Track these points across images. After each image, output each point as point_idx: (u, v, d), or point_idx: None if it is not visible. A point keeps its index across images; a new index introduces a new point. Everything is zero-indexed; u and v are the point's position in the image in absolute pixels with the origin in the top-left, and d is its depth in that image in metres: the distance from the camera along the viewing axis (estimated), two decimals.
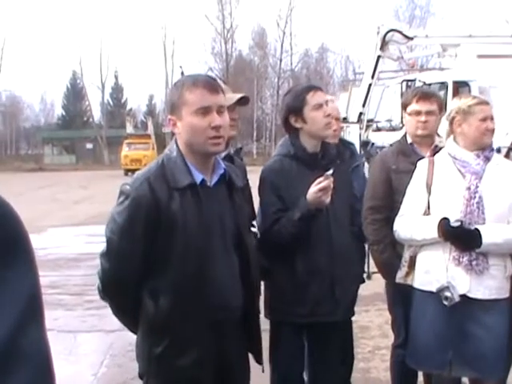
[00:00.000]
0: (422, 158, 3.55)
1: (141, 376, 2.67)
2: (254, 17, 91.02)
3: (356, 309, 3.72)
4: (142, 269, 2.50)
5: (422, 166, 3.44)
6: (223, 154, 3.29)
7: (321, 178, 3.16)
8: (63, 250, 10.93)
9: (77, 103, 66.36)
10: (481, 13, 59.99)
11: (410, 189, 3.45)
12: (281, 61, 55.92)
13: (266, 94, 58.66)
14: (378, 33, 14.91)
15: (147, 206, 2.43)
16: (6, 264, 0.82)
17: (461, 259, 3.19)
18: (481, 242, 3.14)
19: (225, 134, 2.55)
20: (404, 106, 3.91)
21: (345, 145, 4.41)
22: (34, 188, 26.08)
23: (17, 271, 0.83)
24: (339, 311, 3.45)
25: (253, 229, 3.14)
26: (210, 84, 2.55)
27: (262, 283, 3.59)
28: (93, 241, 10.63)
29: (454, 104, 3.41)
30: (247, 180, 3.47)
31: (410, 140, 3.88)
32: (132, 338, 2.77)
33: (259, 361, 2.82)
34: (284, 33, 55.43)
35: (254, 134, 53.19)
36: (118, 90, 67.51)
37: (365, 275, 4.42)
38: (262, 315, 3.53)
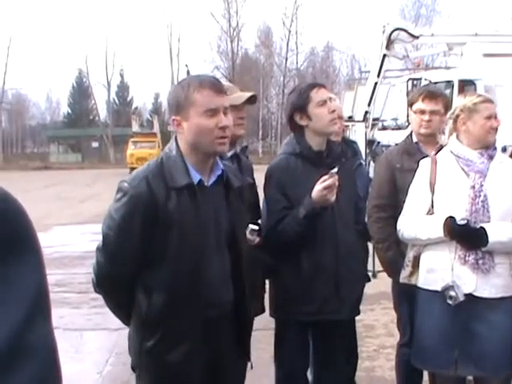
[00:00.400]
0: (427, 156, 3.55)
1: (133, 369, 2.71)
2: (259, 15, 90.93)
3: (361, 307, 3.71)
4: (137, 265, 2.54)
5: (424, 164, 3.44)
6: (230, 154, 3.30)
7: (326, 176, 3.16)
8: (69, 249, 10.95)
9: (83, 102, 66.44)
10: (487, 11, 59.90)
11: (413, 188, 3.45)
12: (286, 59, 55.93)
13: (272, 92, 58.67)
14: (383, 32, 14.89)
15: (144, 203, 2.47)
16: (15, 260, 0.82)
17: (467, 258, 3.19)
18: (487, 241, 3.13)
19: (229, 134, 2.60)
20: (410, 104, 3.91)
21: (347, 143, 4.42)
22: (39, 186, 26.14)
23: (25, 267, 0.84)
24: (344, 309, 3.45)
25: (253, 226, 3.14)
26: (216, 85, 2.59)
27: (267, 282, 3.61)
28: (98, 239, 10.58)
29: (458, 102, 3.40)
30: (254, 179, 3.48)
31: (415, 139, 3.87)
32: None
33: (247, 357, 2.83)
34: (290, 31, 55.44)
35: (260, 133, 53.19)
36: (123, 89, 67.56)
37: (370, 274, 4.42)
38: (266, 314, 3.56)
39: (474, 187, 3.22)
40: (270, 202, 3.46)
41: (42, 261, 0.88)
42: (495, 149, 3.39)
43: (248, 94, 3.38)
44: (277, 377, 3.64)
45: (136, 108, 66.44)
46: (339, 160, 3.43)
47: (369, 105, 14.96)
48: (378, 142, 14.79)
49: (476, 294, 3.18)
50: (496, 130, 3.33)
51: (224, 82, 3.40)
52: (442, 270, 3.24)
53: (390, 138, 13.74)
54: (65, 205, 18.79)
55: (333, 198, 3.20)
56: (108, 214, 2.57)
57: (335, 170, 3.17)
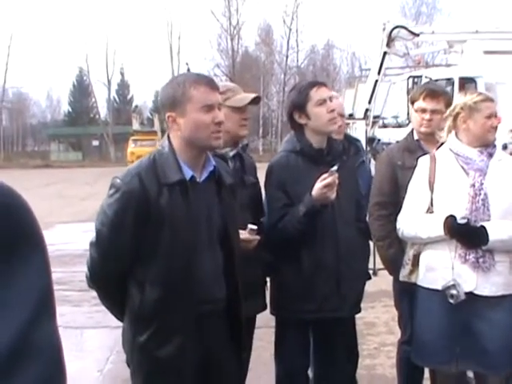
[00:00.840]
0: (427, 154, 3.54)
1: (128, 364, 2.73)
2: (260, 13, 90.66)
3: (362, 305, 3.71)
4: (130, 260, 2.58)
5: (423, 162, 3.43)
6: (232, 153, 3.30)
7: (326, 175, 3.16)
8: (70, 247, 10.95)
9: (83, 100, 66.33)
10: (487, 8, 59.90)
11: (412, 186, 3.44)
12: (287, 57, 55.83)
13: (272, 90, 58.54)
14: (384, 29, 14.89)
15: (137, 199, 2.50)
16: (20, 257, 0.82)
17: (467, 256, 3.19)
18: (487, 239, 3.13)
19: (223, 129, 2.66)
20: (411, 101, 3.91)
21: (350, 141, 4.41)
22: (40, 184, 26.14)
23: (30, 265, 0.83)
24: (345, 307, 3.45)
25: (252, 226, 3.13)
26: (211, 82, 2.68)
27: (268, 280, 3.62)
28: None
29: (458, 100, 3.40)
30: (257, 178, 3.48)
31: (416, 136, 3.87)
32: None
33: (240, 352, 2.84)
34: (290, 29, 55.31)
35: (260, 131, 53.12)
36: (124, 87, 67.46)
37: (371, 272, 4.42)
38: (267, 311, 3.56)
39: (474, 185, 3.21)
40: (271, 200, 3.46)
41: (47, 258, 0.88)
42: (495, 146, 3.39)
43: (252, 95, 3.38)
44: (277, 375, 3.64)
45: (136, 106, 66.33)
46: (340, 158, 3.43)
47: (369, 102, 14.96)
48: (379, 140, 14.77)
49: (476, 292, 3.19)
50: (496, 128, 3.32)
51: (227, 82, 3.41)
52: (442, 269, 3.24)
53: (391, 136, 13.73)
54: (66, 203, 18.79)
55: (333, 195, 3.20)
56: (101, 210, 2.60)
57: (335, 167, 3.17)
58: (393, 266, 3.74)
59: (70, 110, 68.04)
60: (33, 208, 0.89)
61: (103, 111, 63.80)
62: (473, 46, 15.57)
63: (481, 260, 3.18)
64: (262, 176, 3.51)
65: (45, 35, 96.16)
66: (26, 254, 0.83)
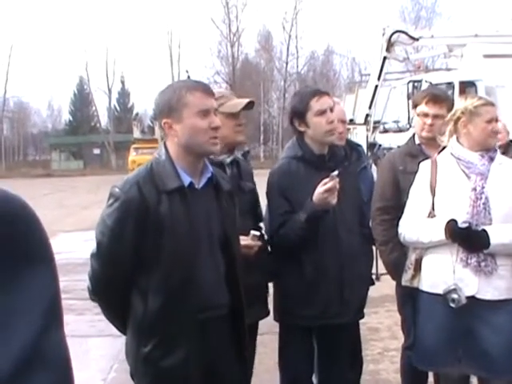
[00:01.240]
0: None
1: (132, 376, 2.71)
2: (259, 20, 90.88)
3: (365, 310, 3.71)
4: (131, 270, 2.56)
5: (424, 167, 3.43)
6: (229, 160, 3.30)
7: (326, 179, 3.16)
8: (72, 255, 10.95)
9: (84, 109, 66.44)
10: (487, 12, 59.91)
11: (414, 191, 3.44)
12: (287, 63, 55.89)
13: (273, 96, 58.58)
14: (383, 34, 14.94)
15: (136, 208, 2.50)
16: (29, 265, 0.82)
17: (469, 260, 3.18)
18: (489, 243, 3.13)
19: (219, 134, 2.66)
20: (414, 105, 3.90)
21: (352, 146, 4.40)
22: (42, 194, 26.14)
23: (39, 273, 0.83)
24: (349, 313, 3.45)
25: (255, 232, 3.14)
26: (207, 87, 2.69)
27: (271, 286, 3.61)
28: None
29: (459, 104, 3.40)
30: (254, 184, 3.48)
31: (417, 141, 3.87)
32: None
33: (243, 358, 2.83)
34: (290, 36, 55.37)
35: (261, 138, 53.13)
36: (124, 95, 67.55)
37: (373, 276, 4.41)
38: (271, 317, 3.55)
39: (475, 189, 3.21)
40: (273, 207, 3.46)
41: (56, 267, 0.88)
42: (496, 150, 3.38)
43: (245, 101, 3.36)
44: (281, 381, 3.64)
45: (137, 114, 66.36)
46: (342, 163, 3.43)
47: (370, 108, 14.99)
48: (380, 145, 14.79)
49: (478, 296, 3.18)
50: (497, 133, 3.32)
51: (220, 88, 3.41)
52: (443, 273, 3.23)
53: (392, 141, 13.74)
54: (68, 212, 18.81)
55: (334, 200, 3.20)
56: (101, 220, 2.59)
57: (336, 172, 3.17)
58: (395, 271, 3.74)
59: (71, 118, 68.17)
60: None
61: (104, 120, 63.98)
62: (472, 49, 15.61)
63: (483, 264, 3.17)
64: (263, 182, 3.51)
65: (45, 44, 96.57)
66: (35, 263, 0.83)
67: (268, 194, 3.51)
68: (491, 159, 3.31)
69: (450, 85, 14.72)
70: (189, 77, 37.65)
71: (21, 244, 0.81)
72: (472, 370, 3.38)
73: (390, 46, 14.89)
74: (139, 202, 2.49)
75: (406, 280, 3.47)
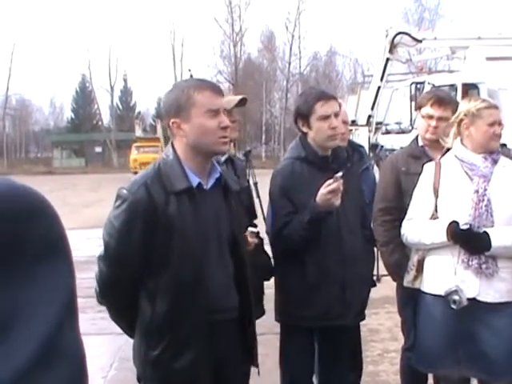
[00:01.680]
0: (432, 160, 3.54)
1: (139, 380, 2.69)
2: (262, 20, 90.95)
3: (366, 312, 3.71)
4: (139, 272, 2.53)
5: (428, 169, 3.44)
6: (223, 158, 3.30)
7: (330, 181, 3.16)
8: (75, 253, 10.62)
9: (86, 107, 66.46)
10: (490, 15, 59.93)
11: (417, 192, 3.45)
12: (289, 64, 55.80)
13: (275, 97, 58.50)
14: (386, 35, 14.95)
15: (144, 209, 2.46)
16: (49, 260, 0.82)
17: (470, 262, 3.19)
18: (490, 245, 3.13)
19: (229, 134, 2.64)
20: (418, 107, 3.90)
21: (354, 147, 4.41)
22: (44, 191, 25.37)
23: (58, 268, 0.83)
24: (350, 314, 3.45)
25: (252, 229, 3.15)
26: (215, 86, 2.66)
27: (267, 285, 3.61)
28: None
29: (462, 106, 3.40)
30: (248, 181, 3.48)
31: (421, 143, 3.87)
32: None
33: (253, 361, 2.82)
34: (293, 36, 55.33)
35: (263, 137, 53.15)
36: (126, 94, 67.55)
37: (374, 278, 4.41)
38: (272, 318, 3.56)
39: (477, 191, 3.22)
40: (276, 207, 3.46)
41: (72, 263, 0.88)
42: (499, 153, 3.39)
43: (238, 97, 3.38)
44: (282, 382, 3.64)
45: (139, 113, 66.41)
46: (345, 165, 3.43)
47: (372, 109, 15.01)
48: (382, 146, 14.81)
49: (479, 298, 3.18)
50: (500, 136, 3.32)
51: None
52: (445, 275, 3.24)
53: (394, 142, 13.76)
54: (70, 210, 18.77)
55: (337, 202, 3.19)
56: (108, 222, 2.56)
57: (340, 174, 3.17)
58: (396, 272, 3.74)
59: (73, 116, 68.14)
60: None
61: (106, 118, 63.96)
62: (475, 52, 15.62)
63: (484, 266, 3.17)
64: (265, 182, 3.52)
65: (47, 42, 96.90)
66: (54, 258, 0.83)
67: (271, 194, 3.50)
68: (494, 162, 3.31)
69: (453, 87, 14.73)
70: (191, 76, 37.64)
71: (40, 239, 0.81)
72: (472, 372, 3.38)
73: (392, 47, 14.91)
74: (147, 202, 2.46)
75: (408, 281, 3.48)
